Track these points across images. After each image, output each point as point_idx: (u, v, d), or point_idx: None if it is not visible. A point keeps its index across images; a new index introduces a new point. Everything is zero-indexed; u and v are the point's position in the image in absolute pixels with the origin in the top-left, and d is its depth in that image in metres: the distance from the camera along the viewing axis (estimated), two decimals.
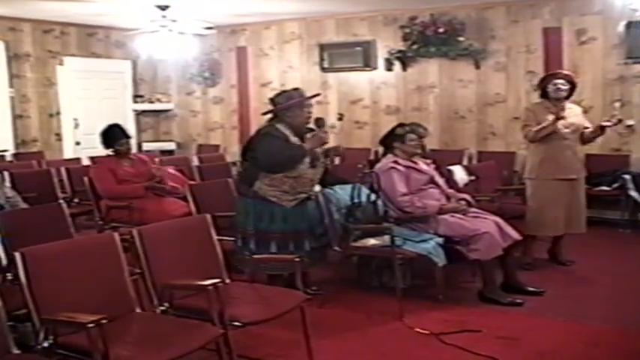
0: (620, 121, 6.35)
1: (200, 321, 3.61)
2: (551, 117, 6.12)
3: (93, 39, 11.31)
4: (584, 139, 6.40)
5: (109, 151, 6.80)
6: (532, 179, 6.43)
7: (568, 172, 6.27)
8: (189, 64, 11.58)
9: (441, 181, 5.91)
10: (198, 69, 11.71)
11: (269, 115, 5.39)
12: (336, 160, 6.22)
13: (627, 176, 8.10)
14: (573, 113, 6.34)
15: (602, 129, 6.30)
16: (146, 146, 11.71)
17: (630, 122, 8.49)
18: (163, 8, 8.80)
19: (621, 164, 8.41)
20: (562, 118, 6.09)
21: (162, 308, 3.87)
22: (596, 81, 8.67)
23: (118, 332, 3.38)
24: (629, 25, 8.28)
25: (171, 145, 11.99)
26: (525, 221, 6.34)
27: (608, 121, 6.28)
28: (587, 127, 6.40)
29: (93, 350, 3.07)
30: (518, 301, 5.38)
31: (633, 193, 8.02)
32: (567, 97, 6.35)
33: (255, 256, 4.82)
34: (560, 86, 6.25)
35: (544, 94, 6.38)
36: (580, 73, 8.56)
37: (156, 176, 6.79)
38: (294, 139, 5.21)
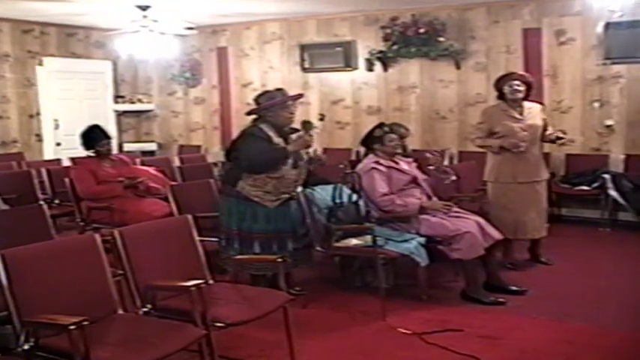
0: (557, 138, 6.35)
1: (182, 322, 3.60)
2: (495, 142, 6.21)
3: (73, 39, 11.23)
4: (544, 139, 6.41)
5: (90, 152, 6.77)
6: (492, 182, 6.43)
7: (530, 175, 6.28)
8: (170, 65, 11.54)
9: (424, 182, 5.91)
10: (180, 69, 11.67)
11: (253, 116, 5.39)
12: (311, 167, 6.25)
13: (607, 176, 8.16)
14: (532, 114, 6.33)
15: (552, 141, 6.39)
16: (127, 147, 11.63)
17: (609, 122, 8.56)
18: (144, 8, 8.77)
19: (601, 164, 8.47)
20: (506, 149, 6.15)
21: (144, 309, 3.85)
22: (576, 81, 8.73)
23: (99, 334, 3.37)
24: (608, 26, 8.35)
25: (153, 146, 11.95)
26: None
27: (554, 134, 6.35)
28: (546, 125, 6.40)
29: (74, 352, 3.05)
30: (501, 300, 5.41)
31: (613, 193, 8.07)
32: (525, 98, 6.34)
33: (238, 257, 4.81)
34: (515, 87, 6.22)
35: (501, 96, 6.37)
36: (559, 73, 8.64)
37: (137, 177, 6.77)
38: (277, 140, 5.21)
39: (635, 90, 8.41)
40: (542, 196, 6.45)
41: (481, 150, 9.06)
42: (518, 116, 6.24)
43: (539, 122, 6.34)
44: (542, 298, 5.56)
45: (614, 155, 8.57)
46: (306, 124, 5.28)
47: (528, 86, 6.32)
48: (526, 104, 6.34)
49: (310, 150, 5.82)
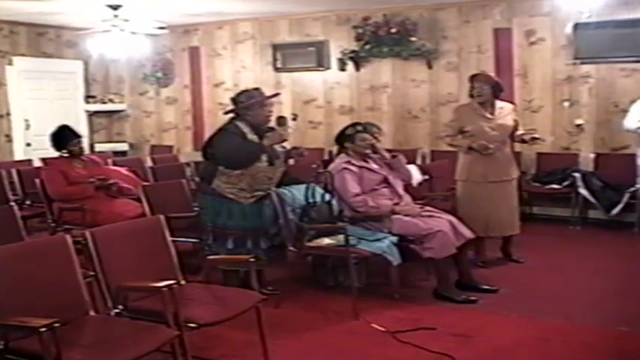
0: (533, 139, 6.39)
1: (155, 323, 3.58)
2: (464, 141, 6.29)
3: (43, 38, 11.13)
4: (514, 139, 6.47)
5: (62, 153, 6.72)
6: (462, 181, 6.47)
7: (500, 175, 6.32)
8: (142, 65, 11.50)
9: (396, 181, 5.92)
10: (151, 69, 11.62)
11: (230, 115, 5.42)
12: (291, 161, 6.25)
13: (577, 174, 8.25)
14: (503, 114, 6.36)
15: (523, 141, 6.44)
16: (99, 147, 11.55)
17: (579, 122, 8.65)
18: (115, 8, 8.71)
19: (571, 162, 8.56)
20: (476, 150, 6.21)
21: (116, 311, 3.83)
22: (546, 81, 8.81)
23: (71, 336, 3.35)
24: (576, 26, 8.44)
25: (124, 146, 11.87)
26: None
27: (529, 134, 6.39)
28: (517, 125, 6.44)
29: (45, 355, 3.03)
30: (473, 298, 5.44)
31: (583, 191, 8.17)
32: (496, 97, 6.37)
33: (210, 257, 4.81)
34: (479, 91, 6.26)
35: (472, 95, 6.41)
36: (530, 73, 8.70)
37: (109, 178, 6.74)
38: (252, 137, 5.25)
39: (603, 90, 8.51)
40: (512, 195, 6.49)
41: (453, 149, 9.17)
42: (488, 116, 6.28)
43: (509, 122, 6.37)
44: (514, 295, 5.61)
45: (583, 154, 8.66)
46: (281, 119, 5.33)
47: (494, 87, 6.33)
48: (498, 104, 6.38)
49: (287, 145, 5.83)
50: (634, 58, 8.23)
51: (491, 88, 6.28)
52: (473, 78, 6.44)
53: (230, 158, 5.19)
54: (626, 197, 7.93)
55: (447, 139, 6.50)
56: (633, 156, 8.04)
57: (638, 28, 8.12)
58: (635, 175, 7.85)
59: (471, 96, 6.39)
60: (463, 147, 6.31)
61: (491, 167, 6.27)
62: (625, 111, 8.08)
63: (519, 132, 6.45)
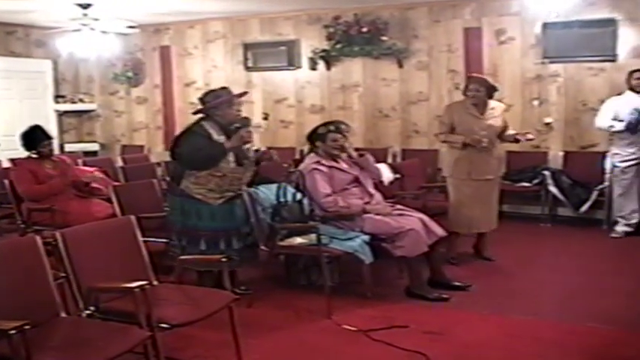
0: (527, 140, 6.51)
1: (127, 324, 3.56)
2: (458, 138, 6.29)
3: (12, 37, 11.02)
4: (502, 139, 6.52)
5: (32, 153, 6.67)
6: (449, 177, 6.55)
7: (482, 173, 6.38)
8: (112, 64, 11.43)
9: (366, 180, 5.94)
10: (122, 69, 11.56)
11: (199, 115, 5.39)
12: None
13: (547, 172, 8.34)
14: (494, 114, 6.43)
15: (516, 141, 6.50)
16: (69, 147, 11.45)
17: (548, 120, 8.73)
18: (85, 7, 8.64)
19: (540, 161, 8.64)
20: (471, 145, 6.25)
21: (87, 312, 3.80)
22: (515, 80, 8.88)
23: (41, 338, 3.32)
24: (545, 26, 8.52)
25: (95, 146, 11.80)
26: (448, 218, 6.46)
27: (523, 135, 6.45)
28: (505, 127, 6.52)
29: (15, 357, 3.00)
30: (445, 296, 5.47)
31: (552, 189, 8.25)
32: (490, 97, 6.45)
33: (182, 257, 4.80)
34: (474, 92, 6.33)
35: (467, 94, 6.47)
36: (499, 72, 8.77)
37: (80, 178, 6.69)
38: (218, 137, 5.22)
39: (571, 88, 8.61)
40: (494, 193, 6.60)
41: (424, 148, 9.26)
42: (479, 116, 6.33)
43: (499, 122, 6.44)
44: (486, 293, 5.65)
45: (553, 152, 8.75)
46: (244, 120, 5.30)
47: (489, 89, 6.40)
48: (490, 104, 6.45)
49: (256, 147, 5.81)
50: (601, 58, 8.34)
51: (486, 90, 6.36)
52: (470, 78, 6.59)
53: (192, 160, 5.17)
54: (594, 195, 8.03)
55: (442, 136, 6.50)
56: (601, 154, 8.15)
57: (604, 28, 8.23)
58: (603, 172, 7.97)
59: (465, 95, 6.45)
60: (458, 143, 6.33)
61: (475, 165, 6.34)
62: (594, 109, 8.20)
63: (511, 132, 6.51)
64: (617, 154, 7.53)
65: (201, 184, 5.19)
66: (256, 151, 5.63)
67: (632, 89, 7.41)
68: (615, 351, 4.43)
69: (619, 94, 7.61)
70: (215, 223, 5.25)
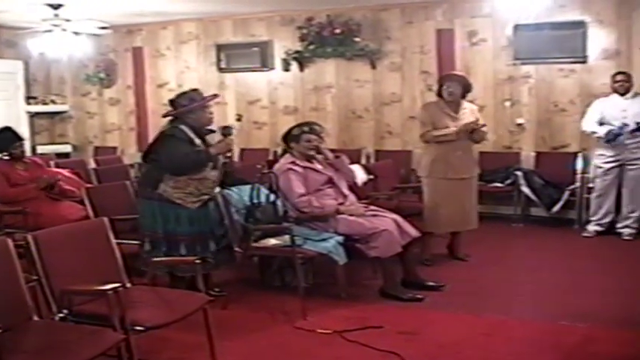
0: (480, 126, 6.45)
1: (100, 327, 3.54)
2: (450, 129, 6.29)
3: None
4: (474, 139, 6.54)
5: (3, 155, 6.61)
6: (426, 177, 6.58)
7: (459, 172, 6.42)
8: (84, 65, 11.34)
9: (340, 181, 5.95)
10: (94, 70, 11.46)
11: (169, 117, 5.36)
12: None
13: (519, 172, 8.39)
14: (467, 114, 6.48)
15: (472, 131, 6.41)
16: (41, 149, 11.35)
17: (520, 121, 8.80)
18: (56, 7, 8.57)
19: (513, 161, 8.70)
20: (464, 132, 6.28)
21: (60, 315, 3.77)
22: (487, 81, 8.94)
23: (14, 342, 3.29)
24: (516, 27, 8.59)
25: (67, 148, 11.68)
26: (423, 218, 6.49)
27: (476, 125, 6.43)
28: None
29: None
30: (419, 296, 5.49)
31: (525, 189, 8.31)
32: (463, 97, 6.50)
33: (158, 260, 4.77)
34: (451, 90, 6.37)
35: (440, 94, 6.51)
36: (472, 73, 8.79)
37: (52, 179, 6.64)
38: (197, 141, 5.20)
39: (543, 89, 8.68)
40: (471, 192, 6.62)
41: (398, 149, 9.29)
42: (454, 115, 6.38)
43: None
44: (460, 292, 5.69)
45: (525, 153, 8.82)
46: (226, 129, 5.30)
47: (465, 88, 6.45)
48: (463, 104, 6.49)
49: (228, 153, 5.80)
50: (571, 59, 8.41)
51: (462, 89, 6.40)
52: (445, 77, 6.60)
53: (177, 165, 5.13)
54: (566, 195, 8.09)
55: (428, 135, 6.43)
56: (573, 154, 8.24)
57: (574, 30, 8.31)
58: (574, 173, 8.05)
59: (439, 95, 6.48)
60: (451, 135, 6.33)
61: (451, 165, 6.37)
62: (564, 110, 8.33)
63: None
64: (601, 154, 7.55)
65: (180, 188, 5.17)
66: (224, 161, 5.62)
67: (615, 91, 7.46)
68: (588, 348, 4.48)
69: (605, 96, 7.65)
70: (193, 227, 5.23)
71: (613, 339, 4.59)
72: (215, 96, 5.67)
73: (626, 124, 7.20)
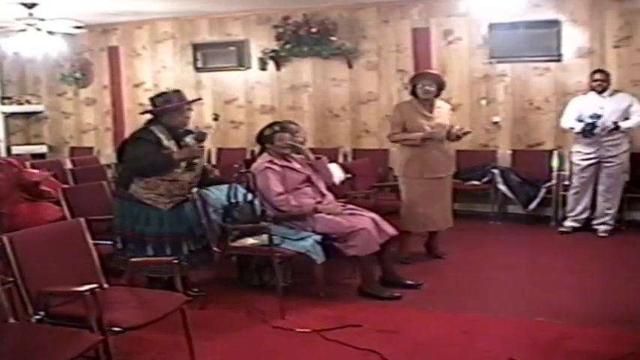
0: (464, 133, 6.50)
1: (78, 328, 3.52)
2: (416, 134, 6.32)
3: None
4: (449, 138, 6.55)
5: None
6: (402, 177, 6.60)
7: (434, 172, 6.44)
8: (60, 65, 11.26)
9: (318, 181, 5.95)
10: (69, 69, 11.39)
11: (148, 115, 5.35)
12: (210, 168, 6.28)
13: (496, 170, 8.44)
14: (441, 113, 6.50)
15: (458, 138, 6.48)
16: (16, 150, 11.29)
17: (496, 119, 8.85)
18: (30, 6, 8.49)
19: (489, 159, 8.75)
20: (430, 139, 6.30)
21: (37, 317, 3.74)
22: (463, 79, 8.98)
23: None
24: (491, 26, 8.64)
25: (43, 148, 11.60)
26: (400, 217, 6.50)
27: (460, 130, 6.47)
28: (452, 125, 6.56)
29: None
30: (397, 294, 5.51)
31: (502, 187, 8.36)
32: (437, 96, 6.52)
33: (134, 260, 4.75)
34: (427, 88, 6.39)
35: (414, 93, 6.53)
36: (448, 72, 8.84)
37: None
38: (167, 143, 5.20)
39: (518, 88, 8.74)
40: (447, 191, 6.66)
41: (375, 147, 9.30)
42: (428, 114, 6.39)
43: (446, 122, 6.49)
44: (437, 290, 5.72)
45: (501, 151, 8.87)
46: (200, 135, 5.30)
47: (440, 86, 6.47)
48: (437, 103, 6.51)
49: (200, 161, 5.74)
50: (546, 58, 8.48)
51: (437, 87, 6.42)
52: (419, 76, 6.59)
53: (138, 166, 5.16)
54: (542, 192, 8.15)
55: (396, 136, 6.49)
56: (548, 152, 8.30)
57: (549, 29, 8.38)
58: (550, 170, 8.12)
59: (413, 94, 6.49)
60: (416, 140, 6.36)
61: (427, 164, 6.39)
62: (540, 108, 8.38)
63: (456, 128, 6.48)
64: (578, 152, 7.61)
65: (150, 189, 5.17)
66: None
67: (593, 90, 7.52)
68: (565, 345, 4.52)
69: (584, 94, 7.70)
70: (162, 228, 5.23)
71: (587, 336, 4.63)
72: (197, 100, 5.68)
73: (598, 115, 7.26)
